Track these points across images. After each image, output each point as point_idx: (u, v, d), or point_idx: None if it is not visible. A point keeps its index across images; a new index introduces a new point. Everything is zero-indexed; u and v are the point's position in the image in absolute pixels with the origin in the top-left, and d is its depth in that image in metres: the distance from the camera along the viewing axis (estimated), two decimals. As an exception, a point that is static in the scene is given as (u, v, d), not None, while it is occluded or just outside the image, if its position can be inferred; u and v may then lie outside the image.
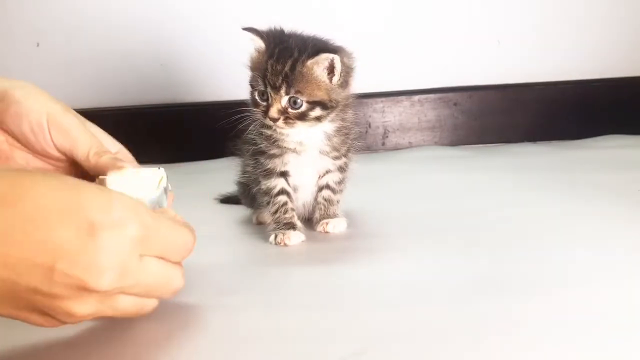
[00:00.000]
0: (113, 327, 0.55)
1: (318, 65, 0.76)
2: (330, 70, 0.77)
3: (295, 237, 0.80)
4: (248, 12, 1.49)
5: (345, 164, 0.86)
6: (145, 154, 1.44)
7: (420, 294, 0.61)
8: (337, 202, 0.87)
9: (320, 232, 0.84)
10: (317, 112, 0.78)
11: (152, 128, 1.52)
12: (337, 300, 0.60)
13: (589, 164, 1.23)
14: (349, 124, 0.84)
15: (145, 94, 1.55)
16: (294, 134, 0.80)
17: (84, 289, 0.45)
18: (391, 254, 0.75)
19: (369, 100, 1.53)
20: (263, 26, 0.81)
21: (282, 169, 0.83)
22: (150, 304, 0.53)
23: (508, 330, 0.52)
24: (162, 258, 0.51)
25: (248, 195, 0.90)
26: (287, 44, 0.77)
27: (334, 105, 0.79)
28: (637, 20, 1.57)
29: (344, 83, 0.79)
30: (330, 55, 0.75)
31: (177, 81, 1.55)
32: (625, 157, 1.28)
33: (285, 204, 0.83)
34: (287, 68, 0.75)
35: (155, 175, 0.58)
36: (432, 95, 1.55)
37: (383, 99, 1.55)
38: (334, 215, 0.86)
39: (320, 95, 0.77)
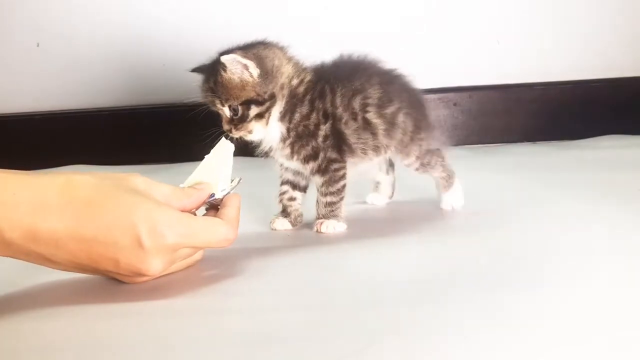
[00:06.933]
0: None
1: (228, 70, 0.79)
2: (245, 67, 0.79)
3: (279, 224, 0.86)
4: (248, 12, 1.49)
5: (323, 167, 0.84)
6: (148, 154, 1.47)
7: (419, 292, 0.61)
8: (326, 204, 0.85)
9: (316, 231, 0.84)
10: (254, 109, 0.81)
11: (154, 128, 1.52)
12: (336, 300, 0.60)
13: (589, 164, 1.23)
14: (304, 125, 0.83)
15: (147, 94, 1.55)
16: (254, 136, 0.83)
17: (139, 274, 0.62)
18: (390, 253, 0.75)
19: (369, 100, 1.53)
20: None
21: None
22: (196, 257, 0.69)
23: (509, 327, 0.52)
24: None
25: None
26: (209, 63, 0.82)
27: (268, 97, 0.81)
28: (637, 21, 1.57)
29: (265, 74, 0.81)
30: (227, 57, 0.78)
31: (180, 81, 1.55)
32: (625, 157, 1.28)
33: (284, 193, 0.88)
34: (211, 84, 0.81)
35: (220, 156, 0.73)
36: (432, 95, 1.55)
37: (383, 99, 1.55)
38: (327, 216, 0.85)
39: (246, 94, 0.80)
